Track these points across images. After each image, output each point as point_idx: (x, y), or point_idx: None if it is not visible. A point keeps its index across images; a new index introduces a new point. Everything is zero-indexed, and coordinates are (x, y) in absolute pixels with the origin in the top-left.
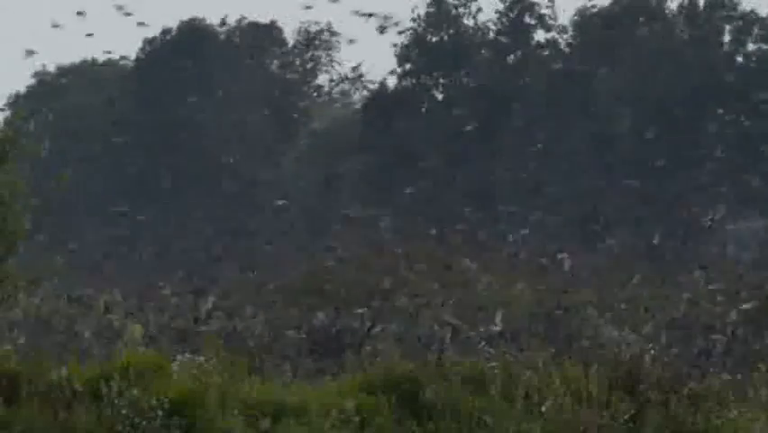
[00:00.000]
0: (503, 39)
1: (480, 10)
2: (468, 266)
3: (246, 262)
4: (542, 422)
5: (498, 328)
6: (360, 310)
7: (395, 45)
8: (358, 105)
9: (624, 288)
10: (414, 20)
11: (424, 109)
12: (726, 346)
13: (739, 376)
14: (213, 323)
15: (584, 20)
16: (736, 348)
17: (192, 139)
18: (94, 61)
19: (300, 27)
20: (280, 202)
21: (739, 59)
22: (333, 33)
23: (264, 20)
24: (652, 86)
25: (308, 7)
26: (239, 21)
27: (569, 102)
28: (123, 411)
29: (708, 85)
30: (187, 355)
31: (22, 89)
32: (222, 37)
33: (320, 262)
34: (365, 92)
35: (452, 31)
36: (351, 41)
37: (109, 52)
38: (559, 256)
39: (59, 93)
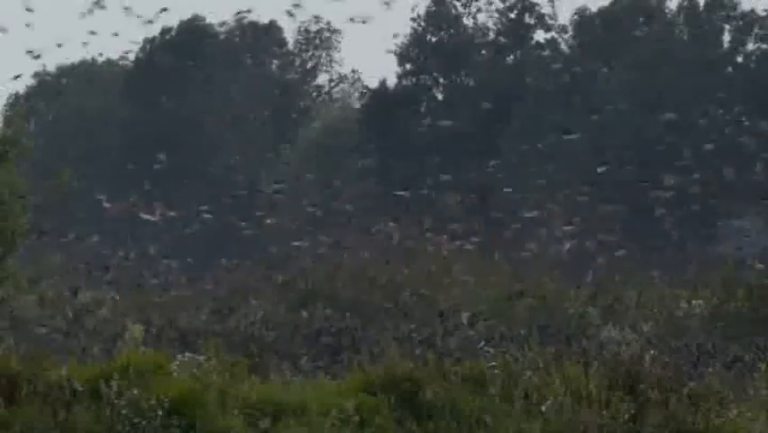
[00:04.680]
0: (503, 39)
1: (480, 10)
2: (468, 265)
3: (246, 262)
4: (542, 422)
5: (499, 328)
6: (360, 310)
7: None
8: (358, 106)
9: (624, 287)
10: (414, 20)
11: (424, 109)
12: (724, 346)
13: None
14: (213, 323)
15: (584, 20)
16: (734, 348)
17: (192, 139)
18: (93, 61)
19: (300, 27)
20: (278, 189)
21: (739, 59)
22: (333, 33)
23: (264, 20)
24: (652, 86)
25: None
26: (239, 21)
27: (569, 102)
28: (123, 411)
29: (708, 85)
30: (187, 355)
31: (22, 89)
32: (222, 37)
33: (320, 262)
34: (365, 92)
35: (452, 31)
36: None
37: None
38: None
39: (59, 93)
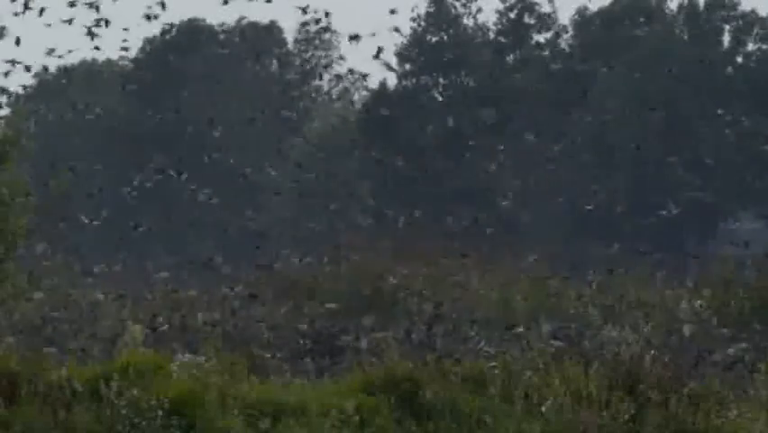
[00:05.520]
0: (503, 39)
1: (480, 10)
2: (468, 265)
3: (246, 262)
4: (542, 422)
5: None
6: (360, 310)
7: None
8: (358, 105)
9: (624, 287)
10: (414, 20)
11: (424, 110)
12: (724, 347)
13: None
14: (213, 323)
15: (584, 20)
16: (734, 348)
17: (192, 139)
18: (94, 61)
19: (300, 27)
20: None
21: (739, 59)
22: (333, 33)
23: (264, 20)
24: (651, 86)
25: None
26: (239, 21)
27: (569, 102)
28: (123, 411)
29: (708, 85)
30: (187, 355)
31: (22, 89)
32: (222, 37)
33: (320, 262)
34: (365, 92)
35: (452, 31)
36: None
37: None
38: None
39: (59, 93)
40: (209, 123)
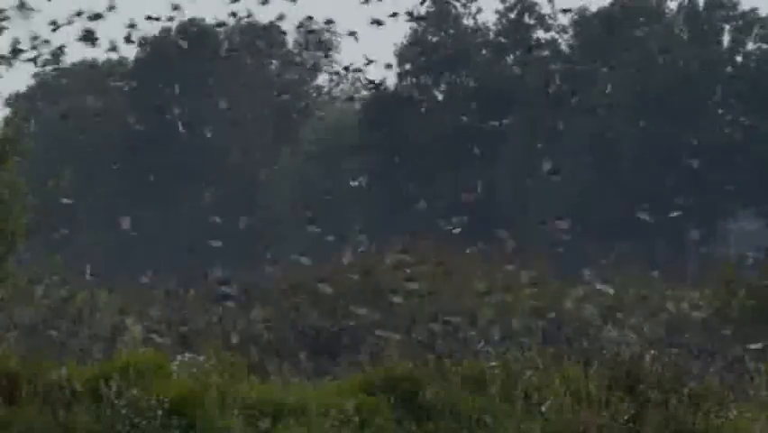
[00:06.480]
0: (503, 39)
1: (480, 10)
2: (468, 265)
3: (246, 262)
4: (542, 422)
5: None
6: (360, 311)
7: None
8: (358, 105)
9: (624, 287)
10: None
11: (424, 109)
12: (724, 347)
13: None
14: (213, 323)
15: (584, 20)
16: (734, 349)
17: (192, 139)
18: (93, 62)
19: (300, 27)
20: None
21: (739, 58)
22: (333, 33)
23: (264, 20)
24: (651, 85)
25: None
26: (239, 21)
27: (569, 102)
28: (123, 411)
29: (708, 84)
30: (187, 355)
31: (22, 89)
32: (222, 37)
33: (320, 261)
34: (365, 92)
35: (452, 31)
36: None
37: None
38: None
39: (59, 93)
40: (201, 124)
